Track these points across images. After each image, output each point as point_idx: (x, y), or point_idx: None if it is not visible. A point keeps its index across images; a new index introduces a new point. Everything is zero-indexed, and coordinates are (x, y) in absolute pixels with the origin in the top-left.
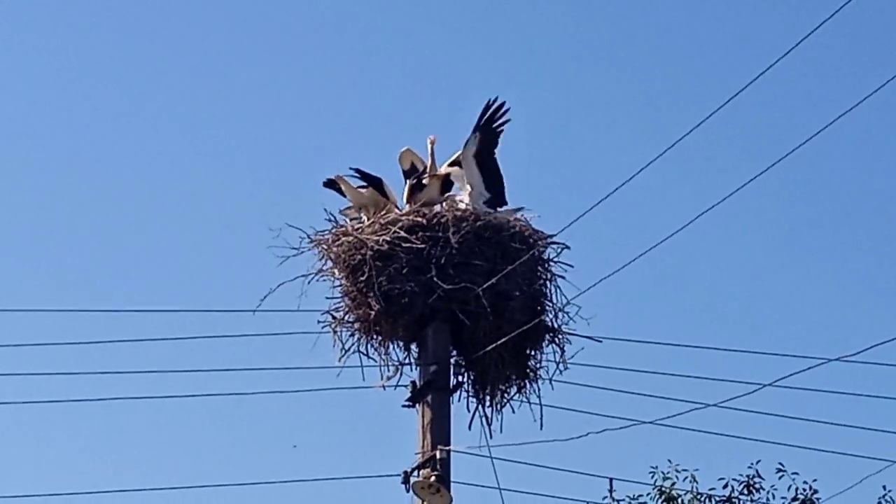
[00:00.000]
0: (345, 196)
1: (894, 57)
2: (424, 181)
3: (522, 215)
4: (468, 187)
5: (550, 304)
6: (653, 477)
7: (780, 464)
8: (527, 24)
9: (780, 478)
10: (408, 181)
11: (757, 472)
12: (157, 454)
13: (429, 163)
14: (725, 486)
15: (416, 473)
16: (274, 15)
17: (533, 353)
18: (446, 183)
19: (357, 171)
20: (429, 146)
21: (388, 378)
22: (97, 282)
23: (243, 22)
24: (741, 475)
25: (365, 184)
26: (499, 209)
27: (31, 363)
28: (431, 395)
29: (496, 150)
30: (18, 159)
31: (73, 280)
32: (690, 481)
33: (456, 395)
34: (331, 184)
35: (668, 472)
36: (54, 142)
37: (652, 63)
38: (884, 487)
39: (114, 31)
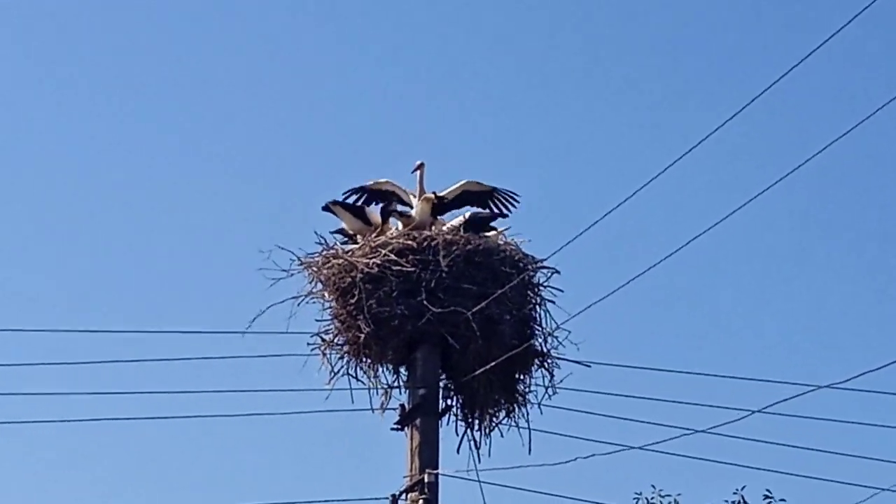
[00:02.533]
0: (341, 220)
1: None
2: (399, 208)
3: (512, 239)
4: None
5: (540, 329)
6: (637, 502)
7: (768, 490)
8: (521, 43)
9: None
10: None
11: (742, 497)
12: (143, 475)
13: (417, 188)
14: None
15: (403, 497)
16: (268, 34)
17: (522, 377)
18: (440, 206)
19: (336, 203)
20: (416, 172)
21: (381, 406)
22: (84, 302)
23: (242, 43)
24: (726, 501)
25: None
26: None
27: (17, 383)
28: (420, 418)
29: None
30: (7, 177)
31: (59, 299)
32: None
33: (445, 419)
34: (328, 209)
35: (651, 498)
36: (42, 156)
37: (643, 87)
38: None
39: (109, 45)
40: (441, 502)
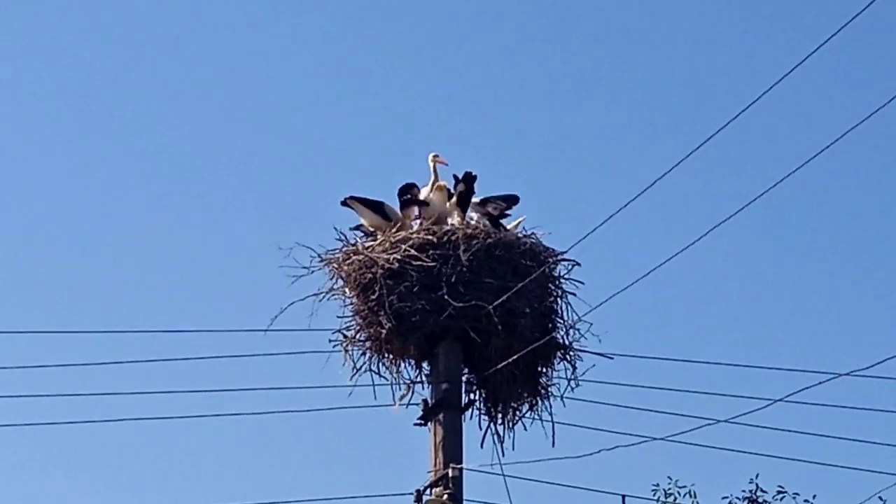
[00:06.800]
0: (360, 216)
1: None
2: (421, 196)
3: (532, 232)
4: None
5: (561, 321)
6: (654, 494)
7: (780, 486)
8: (533, 37)
9: (781, 499)
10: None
11: (758, 486)
12: (167, 475)
13: (431, 179)
14: None
15: (428, 492)
16: (287, 32)
17: (544, 370)
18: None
19: (354, 198)
20: (430, 163)
21: (402, 398)
22: (108, 302)
23: (256, 39)
24: (744, 491)
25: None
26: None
27: (46, 385)
28: (443, 413)
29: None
30: (27, 180)
31: (82, 301)
32: (691, 497)
33: (468, 413)
34: (346, 204)
35: (669, 489)
36: (62, 159)
37: (662, 79)
38: (881, 499)
39: (122, 51)
40: (465, 496)
